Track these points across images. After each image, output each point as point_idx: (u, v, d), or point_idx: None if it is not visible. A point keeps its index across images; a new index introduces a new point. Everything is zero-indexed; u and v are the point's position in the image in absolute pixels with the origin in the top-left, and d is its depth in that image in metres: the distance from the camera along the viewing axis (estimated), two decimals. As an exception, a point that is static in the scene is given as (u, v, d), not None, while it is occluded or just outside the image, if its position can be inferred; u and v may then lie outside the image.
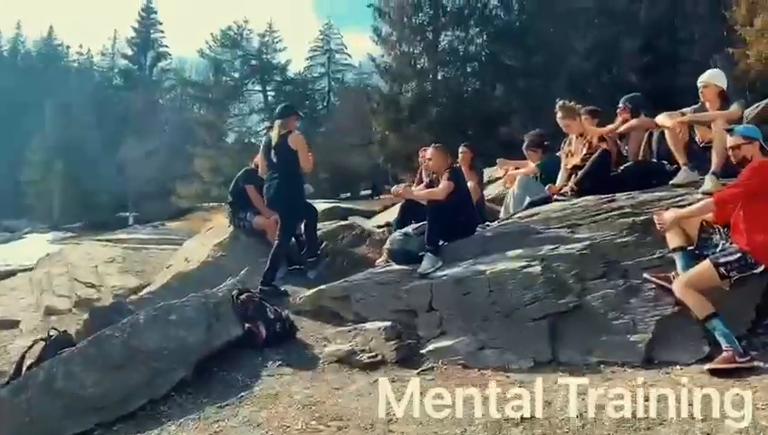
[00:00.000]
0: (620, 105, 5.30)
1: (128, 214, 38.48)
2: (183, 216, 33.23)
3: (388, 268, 4.70)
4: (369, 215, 11.64)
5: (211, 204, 34.00)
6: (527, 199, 5.28)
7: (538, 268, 3.86)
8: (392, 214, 9.30)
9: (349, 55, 43.64)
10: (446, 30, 26.34)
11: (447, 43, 26.51)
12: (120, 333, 3.76)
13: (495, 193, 8.18)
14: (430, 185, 4.93)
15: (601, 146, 4.68)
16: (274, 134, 5.20)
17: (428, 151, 4.91)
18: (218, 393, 3.61)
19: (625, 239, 3.93)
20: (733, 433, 2.58)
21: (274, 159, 5.16)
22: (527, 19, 24.81)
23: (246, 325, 4.22)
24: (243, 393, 3.57)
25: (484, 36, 26.11)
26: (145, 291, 5.45)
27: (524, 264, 3.95)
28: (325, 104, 41.62)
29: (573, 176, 4.76)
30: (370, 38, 26.44)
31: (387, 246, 4.76)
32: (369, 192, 32.98)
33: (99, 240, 17.32)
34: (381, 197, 25.74)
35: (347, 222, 7.62)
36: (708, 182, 4.01)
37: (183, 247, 7.11)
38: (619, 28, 20.80)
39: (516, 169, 6.36)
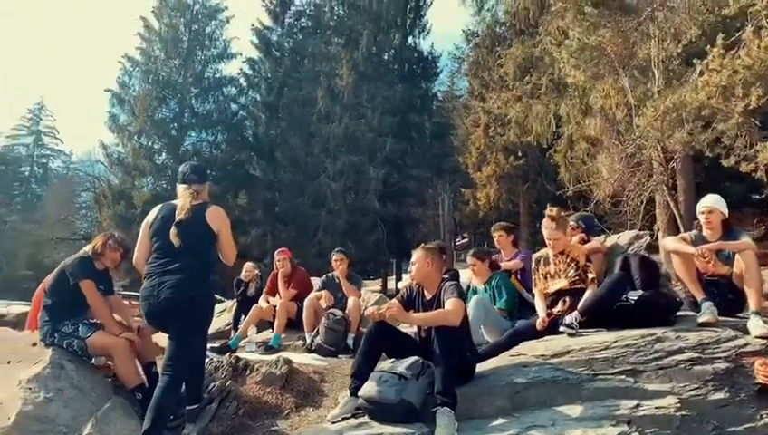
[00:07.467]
0: (572, 223, 4.70)
1: None
2: None
3: (372, 430, 3.03)
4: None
5: None
6: (481, 328, 4.45)
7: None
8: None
9: (60, 140, 38.12)
10: (191, 130, 25.16)
11: (191, 144, 25.25)
12: None
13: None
14: (417, 305, 3.55)
15: (589, 266, 4.07)
16: (183, 203, 3.50)
17: (414, 255, 3.63)
18: None
19: (718, 396, 3.07)
20: None
21: (178, 242, 3.39)
22: (278, 135, 25.28)
23: None
24: None
25: (232, 144, 25.63)
26: None
27: (619, 431, 2.82)
28: (23, 190, 34.48)
29: (562, 302, 3.96)
30: (105, 124, 23.55)
31: (365, 393, 3.18)
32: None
33: None
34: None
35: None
36: (761, 325, 3.50)
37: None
38: (366, 157, 22.58)
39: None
